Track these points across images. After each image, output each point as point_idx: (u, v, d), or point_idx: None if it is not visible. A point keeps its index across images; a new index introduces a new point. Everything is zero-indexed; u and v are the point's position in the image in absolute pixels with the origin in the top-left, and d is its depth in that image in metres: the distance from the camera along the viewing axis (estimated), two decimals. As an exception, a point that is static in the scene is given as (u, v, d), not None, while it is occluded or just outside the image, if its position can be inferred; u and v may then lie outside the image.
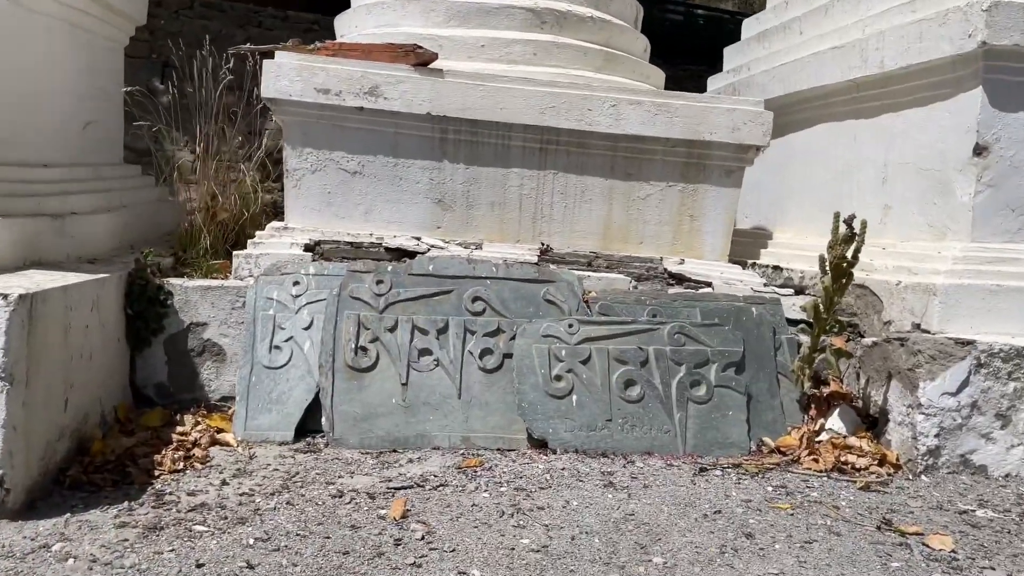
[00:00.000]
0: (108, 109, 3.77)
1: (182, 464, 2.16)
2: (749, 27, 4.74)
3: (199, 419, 2.48)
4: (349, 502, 1.98)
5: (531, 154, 3.03)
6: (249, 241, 2.83)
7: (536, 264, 2.90)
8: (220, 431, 2.42)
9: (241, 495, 1.99)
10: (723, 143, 3.08)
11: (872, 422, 2.67)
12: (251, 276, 2.70)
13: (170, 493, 1.98)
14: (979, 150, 2.67)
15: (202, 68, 3.58)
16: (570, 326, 2.59)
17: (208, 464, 2.20)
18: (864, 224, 2.42)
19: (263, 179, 3.88)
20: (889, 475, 2.43)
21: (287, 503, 1.96)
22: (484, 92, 2.91)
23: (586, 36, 3.28)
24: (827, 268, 2.46)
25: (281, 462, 2.25)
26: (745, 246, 3.95)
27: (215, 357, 2.62)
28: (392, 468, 2.24)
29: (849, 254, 2.41)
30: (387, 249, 2.88)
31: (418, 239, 2.93)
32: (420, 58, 2.88)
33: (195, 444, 2.31)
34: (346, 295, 2.56)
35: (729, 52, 4.88)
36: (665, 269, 3.02)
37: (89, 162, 3.39)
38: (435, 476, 2.19)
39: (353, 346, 2.50)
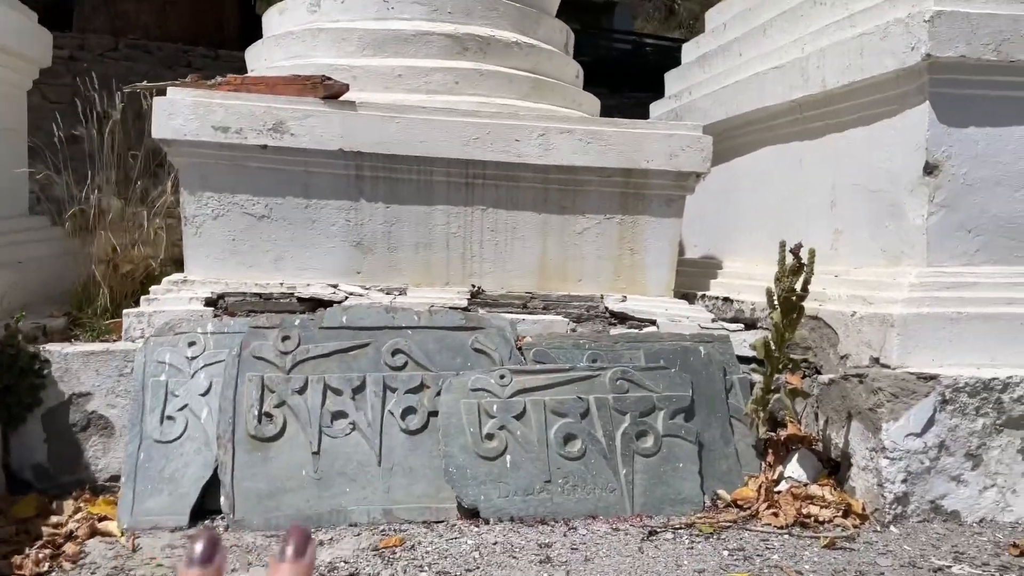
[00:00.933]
0: (17, 157, 3.48)
1: (48, 564, 1.86)
2: (689, 51, 4.61)
3: (81, 505, 2.17)
4: (238, 604, 1.70)
5: (456, 190, 2.80)
6: (143, 297, 2.54)
7: (465, 309, 2.66)
8: (103, 519, 2.11)
9: (110, 603, 1.70)
10: (661, 171, 2.88)
11: (834, 466, 2.46)
12: (144, 337, 2.41)
13: (23, 606, 1.68)
14: (930, 168, 2.50)
15: (107, 109, 3.32)
16: (502, 377, 2.34)
17: (80, 562, 1.90)
18: (812, 253, 2.22)
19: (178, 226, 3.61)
20: (856, 527, 2.21)
21: (162, 611, 1.67)
22: (401, 124, 2.67)
23: (512, 63, 3.08)
24: (775, 302, 2.26)
25: (169, 554, 1.96)
26: (694, 277, 3.77)
27: (102, 432, 2.32)
28: (298, 554, 1.96)
29: (798, 286, 2.21)
30: (300, 299, 2.61)
31: (335, 287, 2.67)
32: (329, 90, 2.64)
33: (70, 537, 2.00)
34: (248, 355, 2.28)
35: (670, 77, 4.73)
36: (606, 308, 2.80)
37: (-24, 215, 3.09)
38: (346, 563, 1.91)
39: (256, 412, 2.22)
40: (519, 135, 2.75)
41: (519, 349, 2.48)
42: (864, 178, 2.81)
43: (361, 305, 2.51)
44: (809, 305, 2.73)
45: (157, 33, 8.43)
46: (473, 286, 2.82)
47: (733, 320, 3.05)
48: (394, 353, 2.36)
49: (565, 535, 2.10)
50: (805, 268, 2.21)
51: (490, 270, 2.85)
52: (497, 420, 2.28)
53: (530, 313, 2.73)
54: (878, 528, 2.21)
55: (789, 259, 2.22)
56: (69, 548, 1.93)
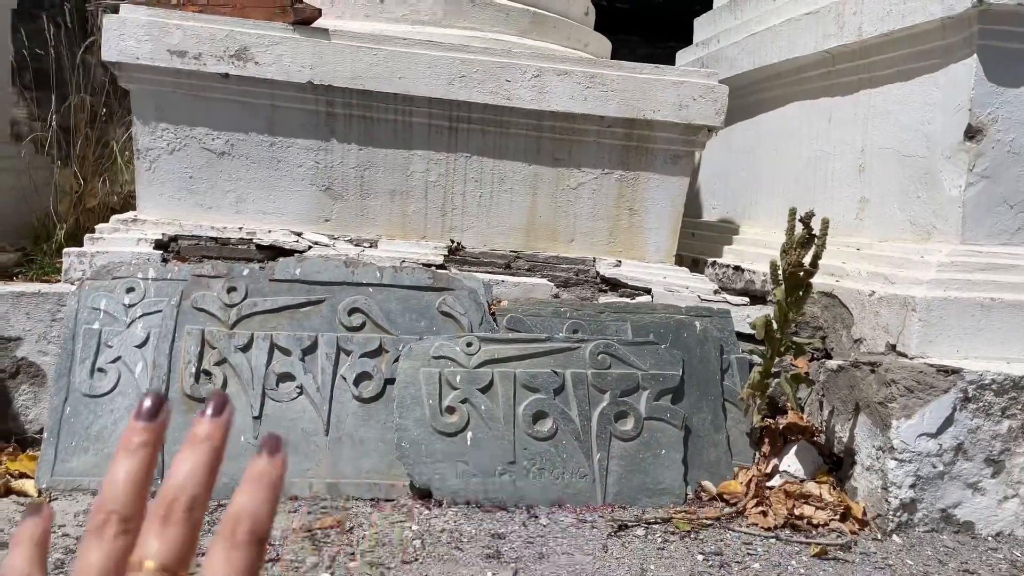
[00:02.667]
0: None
1: (-58, 528, 1.69)
2: (721, -6, 4.25)
3: (2, 459, 2.00)
4: (134, 590, 1.51)
5: (438, 133, 2.53)
6: (86, 236, 2.33)
7: (441, 266, 2.42)
8: (23, 476, 1.94)
9: (-7, 579, 1.52)
10: (668, 123, 2.58)
11: (836, 462, 2.21)
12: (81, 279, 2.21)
13: None
14: (972, 133, 2.19)
15: (67, 30, 3.10)
16: (468, 345, 2.11)
17: (-19, 526, 1.73)
18: (826, 223, 1.94)
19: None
20: (853, 534, 1.97)
21: (47, 593, 1.48)
22: (378, 57, 2.40)
23: (510, -7, 2.78)
24: (780, 277, 1.98)
25: (82, 522, 1.77)
26: (708, 241, 3.49)
27: (32, 380, 2.13)
28: (221, 531, 1.77)
29: (807, 260, 1.94)
30: (259, 247, 2.39)
31: (299, 234, 2.44)
32: (300, 15, 2.38)
33: (-21, 496, 1.83)
34: (188, 305, 2.07)
35: (699, 23, 4.38)
36: (597, 273, 2.53)
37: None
38: (270, 546, 1.71)
39: (193, 370, 2.02)
40: (510, 75, 2.47)
41: (492, 315, 2.24)
42: (897, 141, 2.50)
43: (317, 257, 2.28)
44: (824, 281, 2.46)
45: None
46: (452, 241, 2.56)
47: (742, 292, 2.78)
48: (351, 312, 2.14)
49: (524, 524, 1.89)
50: (816, 240, 1.93)
51: (472, 224, 2.59)
52: (460, 392, 2.06)
53: (512, 274, 2.48)
54: (878, 536, 1.96)
55: (798, 228, 1.94)
56: (-29, 509, 1.76)
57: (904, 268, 2.26)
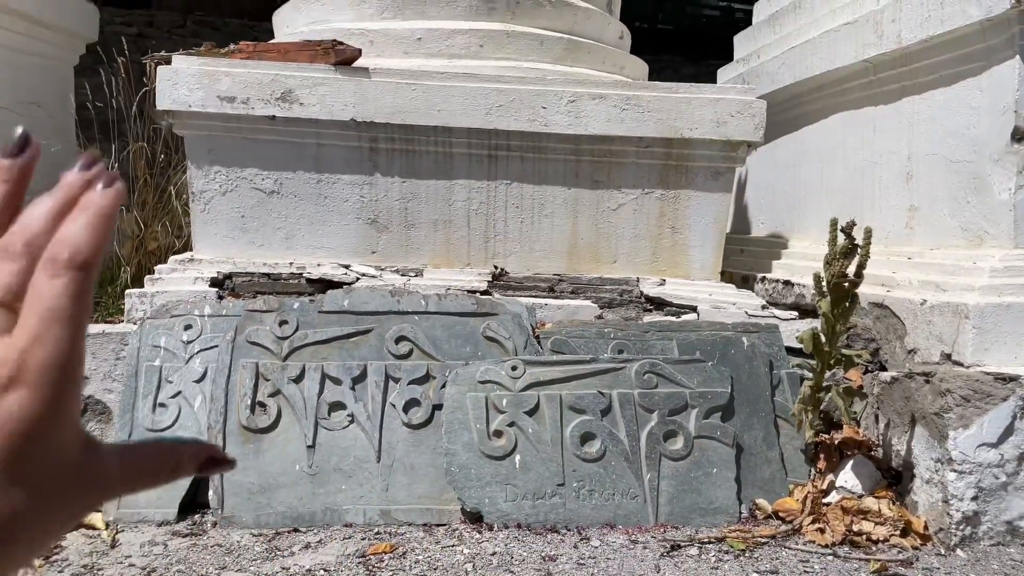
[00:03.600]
0: (42, 130, 3.46)
1: (17, 560, 1.76)
2: (760, 10, 4.23)
3: (72, 493, 2.08)
4: (195, 616, 1.56)
5: (478, 162, 2.58)
6: (147, 277, 2.44)
7: (485, 292, 2.46)
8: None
9: (64, 608, 1.59)
10: (707, 140, 2.59)
11: (895, 477, 2.16)
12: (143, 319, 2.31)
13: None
14: (1019, 135, 2.15)
15: (126, 79, 3.27)
16: (514, 368, 2.13)
17: (52, 558, 1.80)
18: (868, 232, 1.92)
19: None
20: (915, 549, 1.92)
21: (113, 620, 1.54)
22: (417, 92, 2.47)
23: (544, 23, 2.82)
24: (824, 289, 1.96)
25: (147, 552, 1.84)
26: (757, 257, 3.46)
27: (99, 417, 2.23)
28: (278, 558, 1.81)
29: (851, 271, 1.91)
30: (310, 280, 2.46)
31: (347, 267, 2.51)
32: (341, 56, 2.46)
33: (51, 529, 1.91)
34: (242, 340, 2.14)
35: (739, 39, 4.37)
36: (641, 292, 2.54)
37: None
38: (326, 571, 1.75)
39: (249, 402, 2.08)
40: (546, 102, 2.51)
41: (537, 338, 2.26)
42: (943, 147, 2.46)
43: (365, 288, 2.34)
44: (875, 291, 2.42)
45: (231, 9, 8.47)
46: (495, 267, 2.60)
47: (792, 307, 2.75)
48: (398, 340, 2.18)
49: (575, 547, 1.89)
50: (860, 250, 1.91)
51: (515, 250, 2.63)
52: (507, 416, 2.08)
53: (556, 297, 2.50)
54: (942, 551, 1.91)
55: (840, 239, 1.92)
56: (44, 542, 1.83)
57: (956, 275, 2.21)
